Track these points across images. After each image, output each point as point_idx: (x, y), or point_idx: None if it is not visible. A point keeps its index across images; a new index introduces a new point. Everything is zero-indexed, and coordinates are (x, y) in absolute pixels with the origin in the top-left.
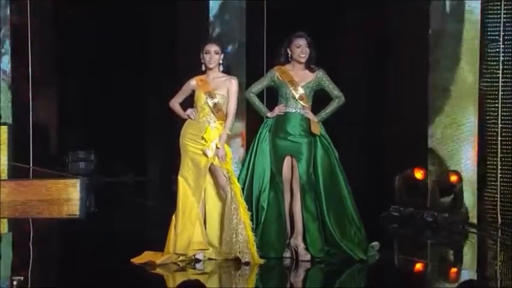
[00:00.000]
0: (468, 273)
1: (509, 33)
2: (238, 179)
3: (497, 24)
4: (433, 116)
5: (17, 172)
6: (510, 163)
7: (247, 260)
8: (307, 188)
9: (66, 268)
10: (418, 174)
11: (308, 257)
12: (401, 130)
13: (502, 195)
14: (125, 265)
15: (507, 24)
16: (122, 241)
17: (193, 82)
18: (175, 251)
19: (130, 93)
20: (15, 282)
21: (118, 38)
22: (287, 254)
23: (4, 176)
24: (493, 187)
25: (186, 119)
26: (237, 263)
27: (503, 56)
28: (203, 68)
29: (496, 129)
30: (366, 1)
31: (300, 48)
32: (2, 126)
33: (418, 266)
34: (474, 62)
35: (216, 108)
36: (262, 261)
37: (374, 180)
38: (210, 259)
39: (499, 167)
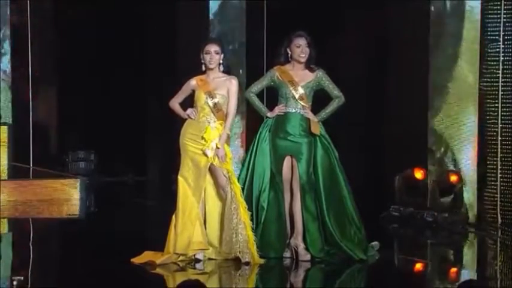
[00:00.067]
0: (468, 273)
1: (509, 33)
2: (238, 179)
3: (497, 24)
4: (433, 116)
5: (17, 172)
6: (510, 163)
7: (247, 260)
8: (307, 188)
9: (66, 268)
10: (418, 174)
11: (308, 257)
12: (401, 130)
13: (502, 195)
14: (125, 265)
15: (507, 24)
16: (122, 241)
17: (193, 82)
18: (175, 251)
19: (130, 93)
20: (15, 282)
21: (118, 38)
22: (287, 254)
23: (4, 176)
24: (493, 187)
25: (186, 119)
26: (237, 263)
27: (503, 56)
28: (203, 68)
29: (496, 129)
30: (366, 1)
31: (300, 48)
32: (2, 126)
33: (418, 266)
34: (474, 62)
35: (216, 108)
36: (262, 261)
37: (374, 180)
38: (210, 259)
39: (499, 167)
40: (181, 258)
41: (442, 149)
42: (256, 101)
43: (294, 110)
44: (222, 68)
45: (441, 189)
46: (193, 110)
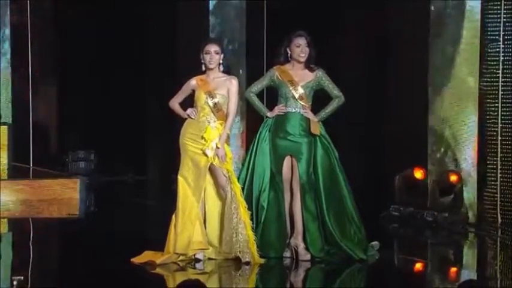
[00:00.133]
0: (468, 273)
1: (509, 33)
2: (238, 178)
3: (497, 24)
4: (433, 116)
5: (17, 172)
6: (510, 163)
7: (247, 259)
8: (307, 187)
9: (66, 268)
10: (418, 174)
11: (308, 256)
12: (401, 130)
13: (502, 195)
14: (125, 265)
15: (507, 24)
16: (122, 241)
17: (193, 82)
18: (175, 250)
19: (130, 93)
20: (15, 282)
21: (118, 38)
22: (287, 254)
23: (4, 176)
24: (493, 187)
25: (186, 119)
26: (237, 262)
27: (503, 56)
28: (203, 68)
29: (496, 129)
30: (366, 1)
31: (300, 47)
32: (2, 126)
33: (418, 266)
34: (474, 62)
35: (216, 108)
36: (262, 260)
37: (374, 180)
38: (210, 259)
39: (499, 167)
40: (181, 258)
41: (442, 149)
42: (256, 101)
43: (293, 110)
44: (221, 68)
45: (441, 189)
46: (193, 109)
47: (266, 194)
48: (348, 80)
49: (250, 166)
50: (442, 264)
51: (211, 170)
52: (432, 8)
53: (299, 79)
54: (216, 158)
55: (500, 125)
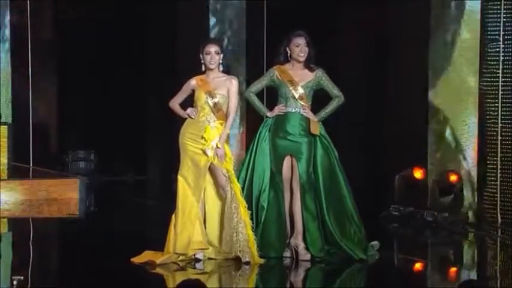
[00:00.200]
0: (468, 273)
1: (509, 33)
2: (238, 178)
3: (497, 24)
4: (433, 116)
5: (17, 172)
6: (510, 163)
7: (247, 259)
8: (307, 187)
9: (66, 268)
10: (418, 174)
11: (308, 256)
12: (401, 130)
13: (502, 195)
14: (125, 265)
15: (507, 24)
16: (122, 241)
17: (193, 82)
18: (175, 250)
19: (130, 93)
20: (15, 282)
21: (118, 38)
22: (287, 254)
23: (4, 176)
24: (493, 187)
25: (185, 119)
26: (237, 262)
27: (503, 56)
28: (203, 68)
29: (496, 129)
30: (365, 1)
31: (299, 47)
32: (2, 126)
33: (418, 266)
34: (474, 62)
35: (216, 108)
36: (262, 260)
37: (374, 180)
38: (210, 259)
39: (499, 167)
40: (181, 258)
41: (442, 149)
42: (256, 101)
43: (293, 110)
44: (221, 68)
45: (441, 189)
46: (193, 109)
47: (266, 194)
48: (348, 80)
49: (250, 166)
50: (442, 264)
51: (211, 169)
52: (432, 8)
53: (299, 79)
54: (216, 158)
55: (500, 125)
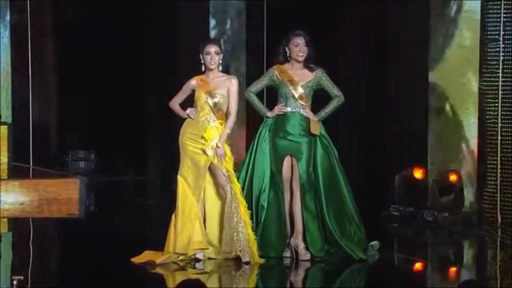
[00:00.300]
0: (468, 273)
1: (509, 33)
2: (238, 178)
3: (497, 24)
4: (433, 116)
5: (17, 172)
6: (510, 162)
7: (247, 259)
8: (307, 187)
9: (66, 268)
10: (418, 174)
11: (308, 256)
12: (401, 130)
13: (502, 195)
14: (125, 265)
15: (507, 24)
16: (122, 241)
17: (193, 82)
18: (175, 250)
19: (130, 93)
20: (15, 282)
21: (118, 38)
22: (287, 254)
23: (4, 175)
24: (493, 186)
25: (185, 119)
26: (237, 262)
27: (503, 56)
28: (203, 69)
29: (496, 129)
30: (365, 1)
31: (298, 47)
32: (2, 126)
33: (418, 266)
34: (474, 62)
35: (216, 108)
36: (262, 260)
37: (374, 180)
38: (210, 258)
39: (499, 167)
40: (181, 257)
41: (442, 149)
42: (256, 101)
43: (293, 110)
44: (221, 68)
45: (441, 189)
46: (193, 109)
47: (266, 193)
48: (348, 80)
49: (250, 166)
50: (442, 264)
51: (211, 169)
52: (432, 8)
53: (299, 79)
54: (216, 158)
55: (500, 125)
